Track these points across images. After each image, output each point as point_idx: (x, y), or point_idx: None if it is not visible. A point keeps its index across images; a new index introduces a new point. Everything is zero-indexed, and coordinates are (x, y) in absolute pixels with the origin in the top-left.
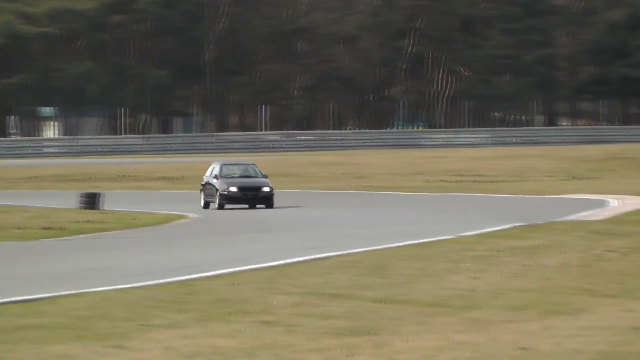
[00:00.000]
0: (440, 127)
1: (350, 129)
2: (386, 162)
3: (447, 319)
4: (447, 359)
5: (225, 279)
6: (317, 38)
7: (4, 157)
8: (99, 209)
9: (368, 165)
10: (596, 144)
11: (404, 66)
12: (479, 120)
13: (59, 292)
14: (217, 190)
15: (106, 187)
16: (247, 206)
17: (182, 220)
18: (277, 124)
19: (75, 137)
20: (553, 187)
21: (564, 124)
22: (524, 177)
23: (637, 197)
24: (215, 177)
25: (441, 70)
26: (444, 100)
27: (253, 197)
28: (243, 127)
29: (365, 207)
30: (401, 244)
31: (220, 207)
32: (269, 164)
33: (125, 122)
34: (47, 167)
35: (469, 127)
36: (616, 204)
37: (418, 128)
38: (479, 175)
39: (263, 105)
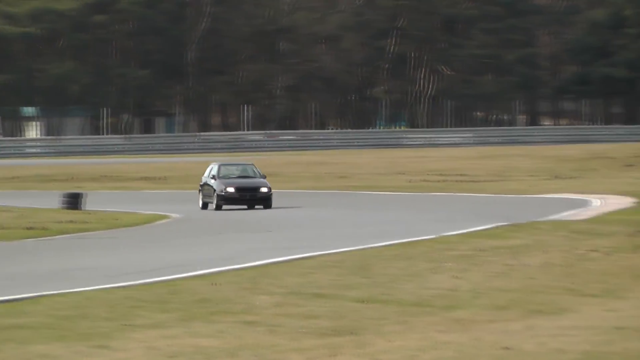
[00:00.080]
0: (422, 127)
1: (332, 129)
2: (368, 162)
3: (430, 318)
4: (430, 358)
5: (207, 279)
6: (299, 38)
7: None
8: (81, 209)
9: (350, 165)
10: (578, 143)
11: (386, 66)
12: (461, 120)
13: (41, 292)
14: (214, 191)
15: (88, 187)
16: (245, 207)
17: (164, 221)
18: (259, 123)
19: (58, 137)
20: (535, 186)
21: (546, 123)
22: (506, 177)
23: (619, 196)
24: (213, 177)
25: (423, 70)
26: (426, 100)
27: (251, 197)
28: (225, 127)
29: (347, 206)
30: (383, 243)
31: (218, 208)
32: None
33: (107, 122)
34: (29, 167)
35: (451, 126)
36: (598, 204)
37: (400, 128)
38: (461, 174)
39: (245, 105)
